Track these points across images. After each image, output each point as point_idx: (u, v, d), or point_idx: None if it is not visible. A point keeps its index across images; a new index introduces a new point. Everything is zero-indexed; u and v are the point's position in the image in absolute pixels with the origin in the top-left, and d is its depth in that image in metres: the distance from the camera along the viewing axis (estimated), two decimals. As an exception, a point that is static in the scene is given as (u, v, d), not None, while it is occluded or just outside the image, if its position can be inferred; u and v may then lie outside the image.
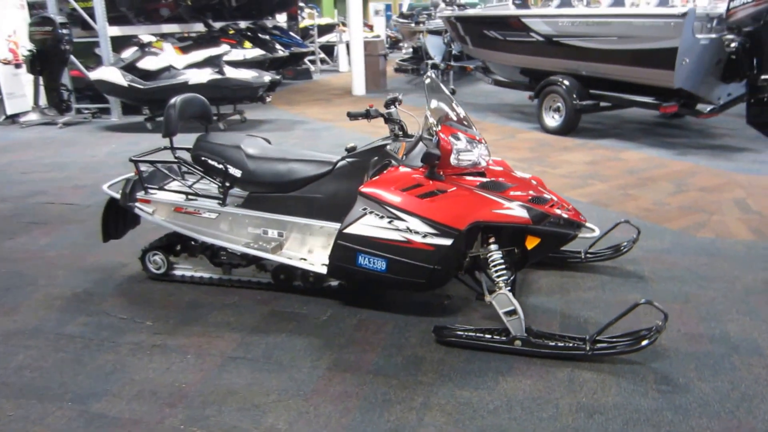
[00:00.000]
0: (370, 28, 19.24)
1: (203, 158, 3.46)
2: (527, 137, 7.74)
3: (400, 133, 3.33)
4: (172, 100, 3.44)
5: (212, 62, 8.58)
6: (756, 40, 6.44)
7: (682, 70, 6.45)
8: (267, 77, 8.60)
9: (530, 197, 3.00)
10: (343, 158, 3.40)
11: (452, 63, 11.55)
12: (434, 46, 12.30)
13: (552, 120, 7.91)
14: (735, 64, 6.60)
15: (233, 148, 3.44)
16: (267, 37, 12.15)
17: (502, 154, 6.75)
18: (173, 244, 3.75)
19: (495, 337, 2.90)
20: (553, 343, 2.83)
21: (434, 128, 2.97)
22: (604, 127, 8.31)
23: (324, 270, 3.23)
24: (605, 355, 2.77)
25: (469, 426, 2.38)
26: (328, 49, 16.95)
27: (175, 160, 3.60)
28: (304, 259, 3.38)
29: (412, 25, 13.16)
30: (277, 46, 11.94)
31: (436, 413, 2.45)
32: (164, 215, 3.58)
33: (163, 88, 8.35)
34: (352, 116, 3.38)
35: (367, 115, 3.32)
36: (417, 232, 2.87)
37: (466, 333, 2.95)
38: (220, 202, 3.49)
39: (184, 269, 3.77)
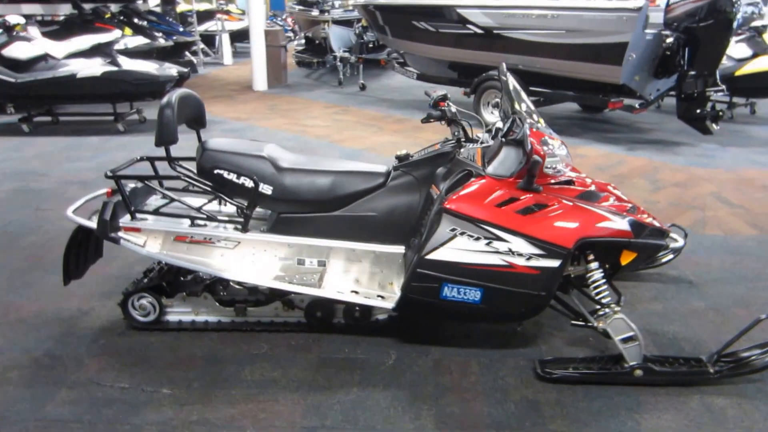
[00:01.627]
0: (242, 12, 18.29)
1: (218, 172, 2.82)
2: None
3: (463, 136, 2.95)
4: (167, 99, 2.77)
5: (101, 51, 7.49)
6: (691, 37, 6.85)
7: (628, 66, 6.66)
8: (173, 70, 7.69)
9: (628, 207, 2.79)
10: (396, 168, 2.96)
11: (365, 56, 11.21)
12: (338, 38, 11.87)
13: (491, 116, 7.87)
14: (668, 60, 6.97)
15: (257, 159, 2.85)
16: (144, 23, 11.00)
17: None
18: (167, 282, 3.06)
19: (610, 367, 2.65)
20: (673, 369, 2.64)
21: (525, 131, 2.63)
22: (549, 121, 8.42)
23: (390, 305, 2.78)
24: (732, 375, 2.63)
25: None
26: (207, 39, 15.81)
27: (176, 175, 2.93)
28: (356, 292, 2.90)
29: (313, 13, 12.58)
30: (157, 34, 10.86)
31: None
32: (160, 246, 2.89)
33: (41, 82, 7.15)
34: (427, 119, 2.93)
35: (443, 116, 2.90)
36: (520, 255, 2.54)
37: (575, 366, 2.66)
38: (239, 226, 2.89)
39: (181, 313, 3.09)
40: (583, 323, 2.75)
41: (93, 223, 2.86)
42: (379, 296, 2.89)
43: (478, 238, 2.55)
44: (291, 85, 11.46)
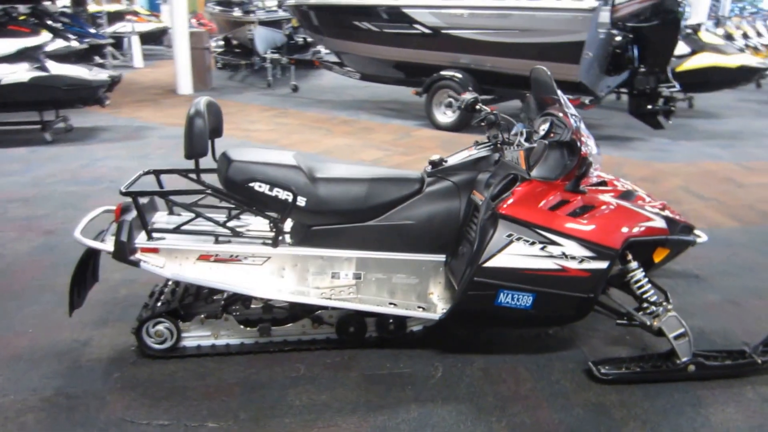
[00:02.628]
0: (156, 16, 17.67)
1: (250, 185, 2.66)
2: (426, 135, 7.68)
3: (500, 139, 2.94)
4: (196, 107, 2.60)
5: (28, 55, 6.94)
6: (640, 36, 7.25)
7: (585, 64, 6.95)
8: (105, 74, 7.25)
9: (659, 205, 2.89)
10: (432, 174, 2.91)
11: (298, 56, 11.04)
12: (264, 39, 11.64)
13: (444, 116, 7.97)
14: (618, 58, 7.34)
15: (292, 169, 2.71)
16: (58, 24, 10.34)
17: (412, 156, 6.68)
18: (184, 305, 2.86)
19: (661, 365, 2.73)
20: (721, 363, 2.75)
21: (572, 133, 2.65)
22: (487, 122, 8.60)
23: (435, 315, 2.75)
24: None
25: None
26: (115, 42, 15.03)
27: (201, 190, 2.74)
28: (394, 304, 2.83)
29: (236, 14, 12.21)
30: (71, 36, 10.22)
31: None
32: (182, 267, 2.70)
33: (-42, 89, 6.53)
34: (479, 122, 2.88)
35: (485, 119, 2.86)
36: (573, 258, 2.57)
37: (628, 366, 2.72)
38: (269, 241, 2.74)
39: (199, 338, 2.90)
40: (627, 322, 2.81)
41: (106, 246, 2.63)
42: (419, 307, 2.84)
43: (533, 243, 2.55)
44: (217, 88, 11.10)
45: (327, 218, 2.75)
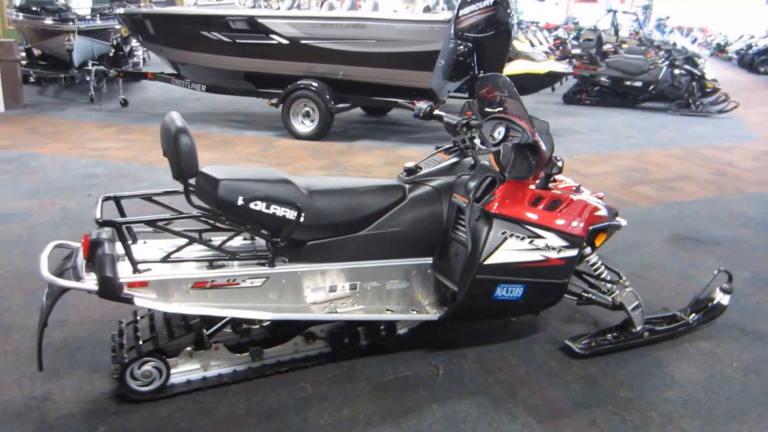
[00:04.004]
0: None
1: (245, 204, 2.50)
2: (291, 145, 7.60)
3: (468, 144, 3.06)
4: (178, 122, 2.40)
5: None
6: (478, 45, 7.92)
7: (437, 72, 7.42)
8: None
9: (601, 197, 3.26)
10: (411, 181, 2.97)
11: (129, 69, 10.18)
12: (82, 50, 10.56)
13: (302, 126, 7.95)
14: (460, 65, 7.96)
15: (286, 185, 2.60)
16: None
17: (290, 167, 6.64)
18: (174, 340, 2.61)
19: (621, 335, 3.10)
20: (666, 326, 3.20)
21: (530, 134, 2.87)
22: (340, 129, 8.72)
23: (434, 316, 2.84)
24: (705, 321, 3.30)
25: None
26: None
27: (196, 214, 2.51)
28: (391, 310, 2.87)
29: (48, 21, 10.83)
30: None
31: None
32: (174, 298, 2.46)
33: None
34: (461, 127, 2.95)
35: (454, 127, 2.95)
36: (553, 248, 2.82)
37: (597, 341, 3.05)
38: (265, 261, 2.62)
39: (188, 372, 2.67)
40: (587, 302, 3.14)
41: (86, 284, 2.31)
42: (413, 310, 2.91)
43: (523, 238, 2.75)
44: (31, 105, 9.84)
45: (323, 232, 2.70)
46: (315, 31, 7.57)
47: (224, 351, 2.71)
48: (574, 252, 2.86)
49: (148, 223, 2.48)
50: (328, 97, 7.63)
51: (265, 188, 2.53)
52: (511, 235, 2.73)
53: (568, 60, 12.95)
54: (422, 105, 3.11)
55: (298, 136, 7.93)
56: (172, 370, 2.60)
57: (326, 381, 2.74)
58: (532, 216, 2.78)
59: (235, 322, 2.67)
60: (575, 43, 16.16)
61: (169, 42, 8.51)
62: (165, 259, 2.46)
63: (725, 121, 10.54)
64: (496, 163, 2.90)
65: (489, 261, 2.70)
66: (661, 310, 3.49)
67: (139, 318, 2.78)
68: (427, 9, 13.24)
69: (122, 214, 2.64)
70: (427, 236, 2.91)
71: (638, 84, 11.48)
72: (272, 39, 7.74)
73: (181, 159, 2.33)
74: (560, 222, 2.83)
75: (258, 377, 2.72)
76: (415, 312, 2.90)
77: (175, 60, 8.84)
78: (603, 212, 3.06)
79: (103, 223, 2.35)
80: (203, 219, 2.59)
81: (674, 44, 12.44)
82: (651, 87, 11.36)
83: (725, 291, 3.37)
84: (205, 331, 2.62)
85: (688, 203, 5.67)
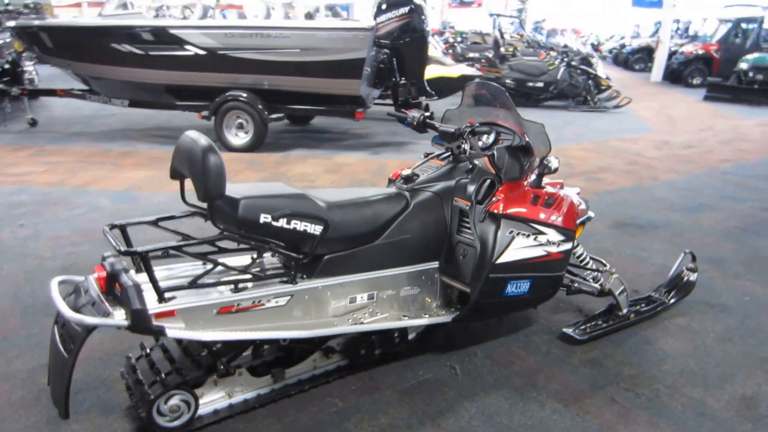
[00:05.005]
0: None
1: (274, 222, 2.45)
2: (227, 158, 7.20)
3: (462, 149, 3.12)
4: (204, 142, 2.32)
5: None
6: (396, 51, 8.10)
7: (364, 79, 7.50)
8: None
9: (578, 192, 3.47)
10: (411, 189, 3.00)
11: (31, 87, 9.44)
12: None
13: (236, 138, 7.77)
14: (381, 72, 8.11)
15: (306, 200, 2.57)
16: None
17: (230, 180, 6.48)
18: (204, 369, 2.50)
19: (609, 318, 3.31)
20: (647, 307, 3.45)
21: (523, 137, 3.01)
22: (271, 140, 8.58)
23: (448, 318, 2.91)
24: (681, 299, 3.59)
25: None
26: None
27: (220, 236, 2.42)
28: (407, 316, 2.90)
29: None
30: None
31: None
32: (201, 325, 2.37)
33: None
34: (457, 136, 2.99)
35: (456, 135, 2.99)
36: (553, 243, 2.98)
37: (591, 326, 3.24)
38: (287, 279, 2.57)
39: (214, 402, 2.57)
40: (576, 291, 3.33)
41: (115, 320, 2.18)
42: (425, 314, 2.96)
43: (528, 235, 2.88)
44: None
45: (340, 244, 2.69)
46: (234, 41, 7.40)
47: (247, 375, 2.63)
48: (569, 245, 3.02)
49: (175, 249, 2.36)
50: (261, 107, 7.50)
51: (287, 204, 2.49)
52: (518, 234, 2.85)
53: (467, 64, 13.46)
54: (415, 114, 3.16)
55: (231, 149, 7.73)
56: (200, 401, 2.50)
57: (352, 393, 2.73)
58: (534, 214, 2.91)
59: (255, 345, 2.61)
60: (464, 46, 16.84)
61: (77, 56, 8.01)
62: (192, 285, 2.35)
63: (621, 115, 11.40)
64: (491, 165, 3.01)
65: (501, 260, 2.80)
66: (632, 292, 3.74)
67: (149, 350, 2.63)
68: (308, 15, 13.28)
69: (128, 243, 2.50)
70: (432, 241, 2.97)
71: (540, 84, 12.15)
72: (188, 50, 7.49)
73: (209, 180, 2.25)
74: (557, 218, 2.99)
75: (282, 398, 2.67)
76: (427, 316, 2.94)
77: (85, 75, 8.33)
78: (583, 206, 3.26)
79: (126, 253, 2.22)
80: (214, 241, 2.48)
81: (566, 46, 13.29)
82: (552, 87, 12.06)
83: (691, 270, 3.69)
84: (230, 357, 2.53)
85: (616, 192, 6.11)
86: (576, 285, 3.32)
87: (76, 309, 2.24)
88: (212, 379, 2.55)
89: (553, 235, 2.95)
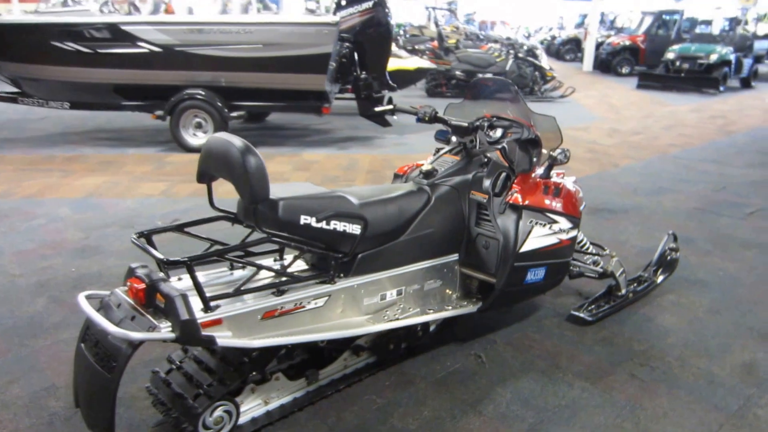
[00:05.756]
0: None
1: (316, 223, 2.44)
2: (189, 159, 7.18)
3: (475, 144, 3.17)
4: (241, 143, 2.29)
5: None
6: (359, 46, 8.11)
7: (329, 74, 7.47)
8: None
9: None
10: (431, 184, 3.04)
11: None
12: None
13: (195, 138, 7.57)
14: (344, 67, 8.11)
15: (341, 199, 2.58)
16: None
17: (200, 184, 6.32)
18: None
19: (610, 299, 3.49)
20: (641, 287, 3.64)
21: (531, 130, 3.11)
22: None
23: (473, 308, 2.98)
24: (668, 278, 3.82)
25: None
26: None
27: (262, 238, 2.39)
28: (432, 310, 2.95)
29: None
30: None
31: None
32: (246, 332, 2.34)
33: None
34: (469, 131, 3.04)
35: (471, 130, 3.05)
36: (564, 230, 3.11)
37: (595, 307, 3.41)
38: (326, 279, 2.58)
39: (252, 410, 2.54)
40: (578, 275, 3.47)
41: (162, 334, 2.12)
42: (447, 306, 3.02)
43: (545, 224, 3.00)
44: None
45: (372, 242, 2.71)
46: (192, 37, 7.20)
47: (283, 380, 2.62)
48: (575, 232, 3.16)
49: (219, 255, 2.32)
50: (220, 104, 7.33)
51: (325, 204, 2.49)
52: (537, 223, 2.96)
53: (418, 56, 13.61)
54: (427, 109, 3.20)
55: (189, 149, 7.51)
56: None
57: (387, 388, 2.77)
58: (548, 204, 3.03)
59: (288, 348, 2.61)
60: (404, 39, 16.98)
61: (7, 56, 7.50)
62: (237, 293, 2.32)
63: (567, 105, 11.83)
64: (504, 158, 3.09)
65: (523, 249, 2.91)
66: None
67: (179, 363, 2.56)
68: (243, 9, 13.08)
69: (154, 249, 2.43)
70: (452, 234, 3.03)
71: (489, 76, 12.39)
72: (141, 47, 7.23)
73: (253, 183, 2.23)
74: (566, 207, 3.11)
75: (319, 400, 2.67)
76: (450, 308, 3.00)
77: (17, 76, 7.78)
78: (581, 194, 3.40)
79: (170, 263, 2.17)
80: (277, 242, 2.45)
81: (508, 38, 13.64)
82: (500, 78, 12.33)
83: (673, 249, 3.90)
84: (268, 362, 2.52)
85: (584, 179, 6.34)
86: (578, 269, 3.46)
87: (115, 324, 2.16)
88: (249, 387, 2.52)
89: (564, 223, 3.07)
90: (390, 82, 8.53)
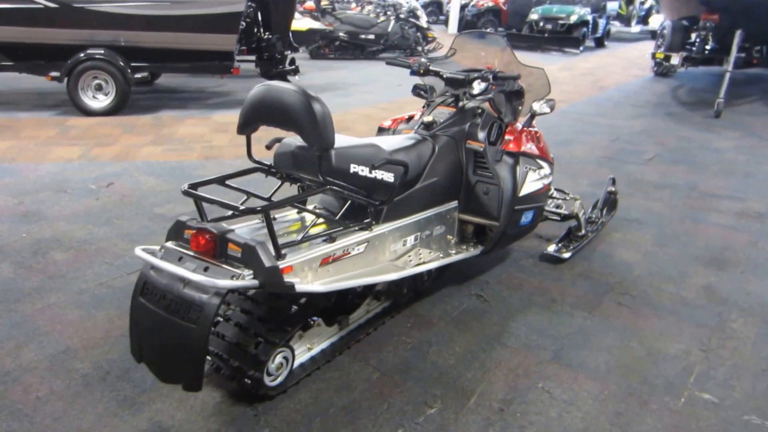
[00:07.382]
0: None
1: (361, 173, 2.48)
2: (92, 123, 6.58)
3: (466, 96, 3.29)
4: (305, 92, 2.27)
5: None
6: (262, 6, 7.87)
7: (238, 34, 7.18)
8: None
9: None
10: (432, 134, 3.14)
11: None
12: None
13: (95, 101, 6.97)
14: (248, 26, 7.85)
15: (373, 147, 2.62)
16: None
17: (115, 146, 5.63)
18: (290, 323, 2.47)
19: (575, 237, 3.83)
20: (594, 227, 4.02)
21: (517, 83, 3.30)
22: (134, 99, 7.81)
23: (477, 251, 3.17)
24: (612, 215, 4.23)
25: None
26: None
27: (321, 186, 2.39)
28: (440, 255, 3.09)
29: None
30: None
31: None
32: (310, 278, 2.36)
33: None
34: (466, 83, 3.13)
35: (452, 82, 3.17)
36: (546, 176, 3.38)
37: (566, 244, 3.74)
38: (364, 226, 2.63)
39: (299, 356, 2.56)
40: (544, 218, 3.76)
41: (247, 281, 2.08)
42: (450, 251, 3.17)
43: (536, 170, 3.24)
44: None
45: (400, 190, 2.77)
46: None
47: (323, 326, 2.65)
48: (552, 177, 3.44)
49: (291, 203, 2.32)
50: (122, 65, 6.79)
51: (371, 152, 2.54)
52: (530, 169, 3.18)
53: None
54: (422, 60, 3.27)
55: (89, 113, 6.92)
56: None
57: (412, 330, 2.89)
58: (536, 151, 3.26)
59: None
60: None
61: None
62: (305, 239, 2.32)
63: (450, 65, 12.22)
64: (493, 109, 3.26)
65: (522, 193, 3.12)
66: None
67: (221, 316, 2.50)
68: None
69: (200, 204, 2.35)
70: (453, 182, 3.17)
71: (371, 37, 12.52)
72: (36, 3, 6.50)
73: (321, 129, 2.22)
74: (544, 153, 3.37)
75: (354, 343, 2.74)
76: (454, 252, 3.16)
77: None
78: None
79: (246, 211, 2.12)
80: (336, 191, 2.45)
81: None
82: (383, 39, 12.49)
83: (612, 192, 4.33)
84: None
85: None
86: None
87: None
88: (298, 334, 2.53)
89: (546, 168, 3.33)
90: (293, 42, 8.37)
